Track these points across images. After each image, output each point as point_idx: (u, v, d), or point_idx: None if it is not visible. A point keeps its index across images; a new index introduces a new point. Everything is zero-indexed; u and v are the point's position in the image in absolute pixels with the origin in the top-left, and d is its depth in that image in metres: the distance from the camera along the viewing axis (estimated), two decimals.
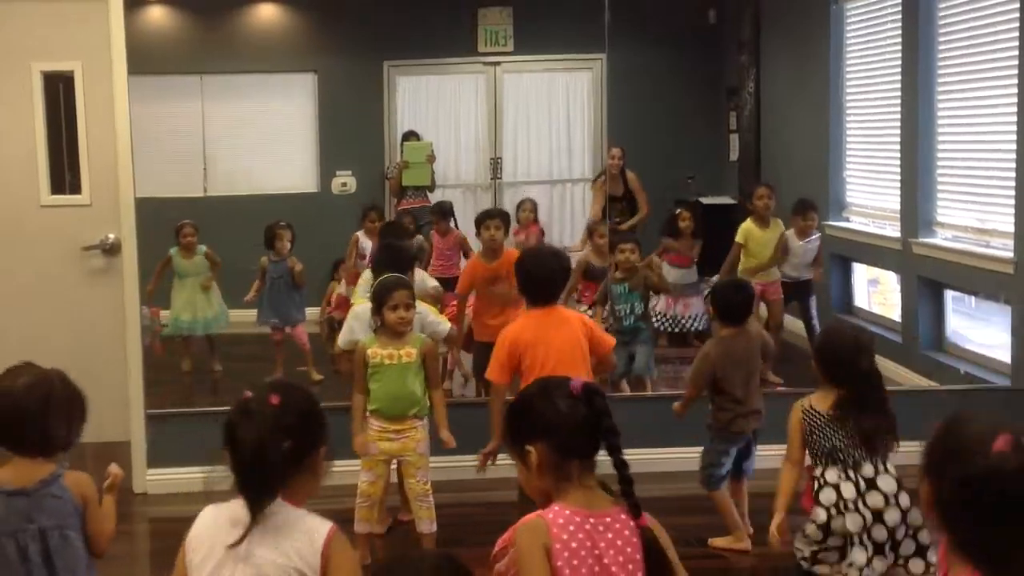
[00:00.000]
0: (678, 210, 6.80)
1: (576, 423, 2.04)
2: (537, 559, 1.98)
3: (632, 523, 2.05)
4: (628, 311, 5.38)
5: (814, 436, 3.31)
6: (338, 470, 4.50)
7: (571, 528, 2.01)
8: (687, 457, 4.50)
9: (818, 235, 6.24)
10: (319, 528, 2.09)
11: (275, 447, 2.04)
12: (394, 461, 3.98)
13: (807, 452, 3.36)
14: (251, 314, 6.18)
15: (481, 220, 5.32)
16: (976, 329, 5.81)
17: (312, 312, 6.22)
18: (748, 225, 6.13)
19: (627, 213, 6.65)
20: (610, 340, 3.95)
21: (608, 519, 2.04)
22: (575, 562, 1.99)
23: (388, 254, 4.38)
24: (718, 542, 4.19)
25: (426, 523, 3.93)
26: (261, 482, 2.07)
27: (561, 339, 3.69)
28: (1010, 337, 5.18)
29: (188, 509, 4.72)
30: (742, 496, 4.26)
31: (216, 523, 2.13)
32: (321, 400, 2.31)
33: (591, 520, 2.02)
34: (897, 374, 5.92)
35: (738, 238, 6.12)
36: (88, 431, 3.34)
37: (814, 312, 6.28)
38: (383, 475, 3.94)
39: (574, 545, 2.00)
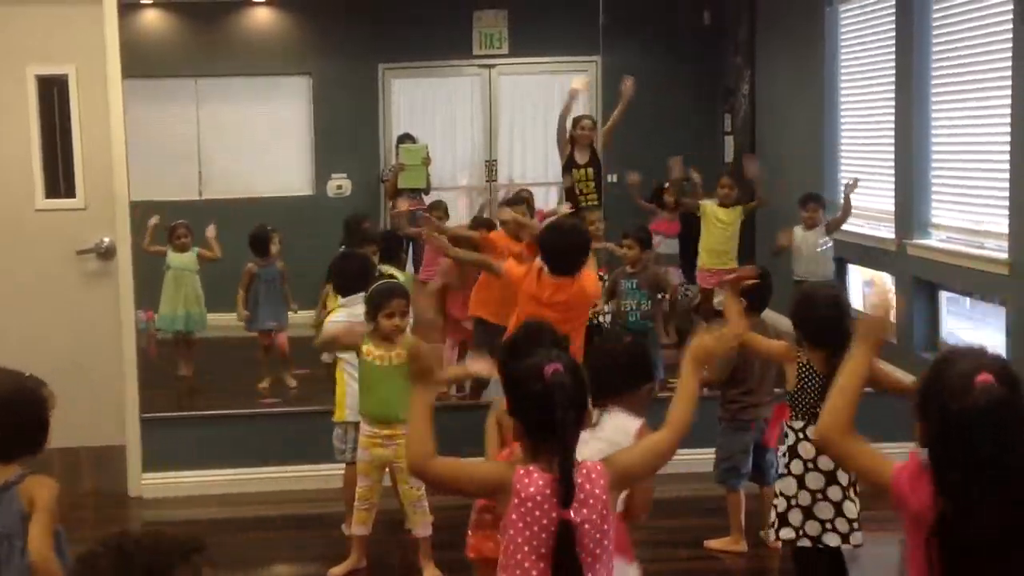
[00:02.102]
0: (665, 184, 6.92)
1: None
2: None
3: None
4: (634, 307, 5.37)
5: (803, 390, 3.33)
6: (325, 474, 4.54)
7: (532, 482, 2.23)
8: (687, 459, 4.47)
9: (823, 229, 6.18)
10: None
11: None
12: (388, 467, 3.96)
13: (790, 403, 3.41)
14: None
15: (508, 205, 5.27)
16: (971, 330, 5.82)
17: (307, 316, 6.21)
18: (709, 202, 6.55)
19: (589, 180, 6.57)
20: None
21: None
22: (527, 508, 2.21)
23: (344, 266, 4.31)
24: (714, 543, 4.18)
25: (421, 527, 3.93)
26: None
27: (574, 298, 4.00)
28: (1005, 338, 5.18)
29: (183, 513, 4.76)
30: (770, 503, 4.14)
31: None
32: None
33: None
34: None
35: (703, 203, 6.57)
36: (83, 435, 3.35)
37: None
38: (378, 480, 3.95)
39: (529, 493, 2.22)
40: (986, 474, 1.86)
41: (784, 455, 3.37)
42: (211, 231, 6.36)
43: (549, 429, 2.18)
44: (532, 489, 2.18)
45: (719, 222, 6.46)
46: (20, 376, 2.71)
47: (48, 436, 2.69)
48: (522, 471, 2.21)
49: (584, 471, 2.22)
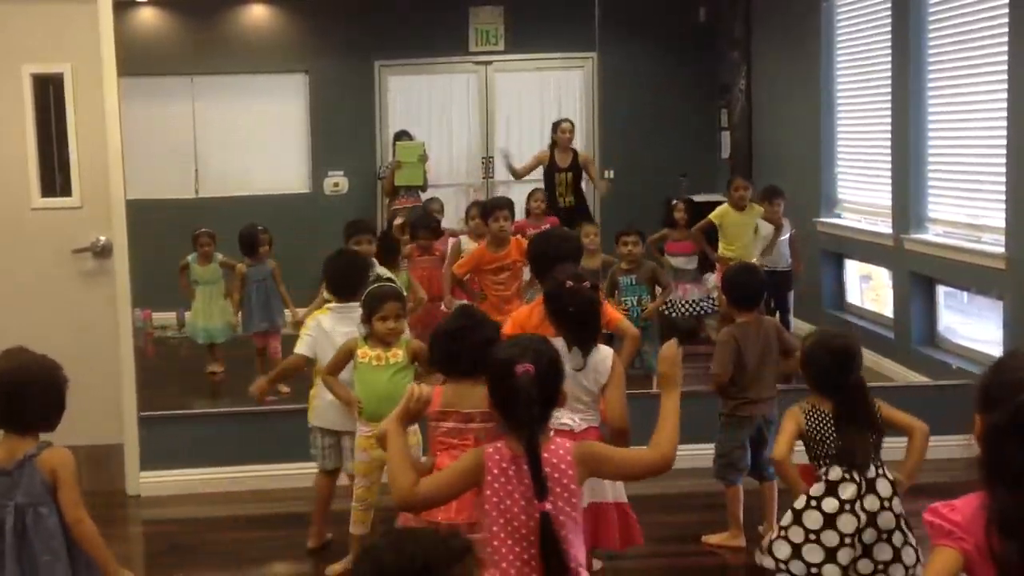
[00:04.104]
0: (673, 201, 6.87)
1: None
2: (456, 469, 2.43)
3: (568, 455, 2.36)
4: (635, 303, 5.38)
5: (820, 436, 3.26)
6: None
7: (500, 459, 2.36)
8: (687, 455, 4.49)
9: (788, 225, 6.31)
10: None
11: None
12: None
13: (809, 452, 3.31)
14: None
15: (490, 211, 5.22)
16: (968, 324, 5.83)
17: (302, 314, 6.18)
18: (725, 207, 6.39)
19: (569, 184, 6.86)
20: (617, 314, 3.96)
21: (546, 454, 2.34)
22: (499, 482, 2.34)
23: (338, 265, 4.22)
24: (712, 539, 4.19)
25: None
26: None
27: None
28: (1002, 332, 5.19)
29: (181, 511, 4.76)
30: (769, 500, 4.14)
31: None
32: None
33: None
34: (889, 370, 5.93)
35: (712, 217, 6.39)
36: (81, 434, 3.34)
37: (790, 306, 6.29)
38: (376, 481, 3.93)
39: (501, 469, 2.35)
40: None
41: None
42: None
43: (513, 419, 2.33)
44: (504, 464, 2.32)
45: (738, 227, 6.34)
46: (42, 356, 2.89)
47: (62, 415, 2.87)
48: (491, 449, 2.37)
49: (549, 455, 2.32)
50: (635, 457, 2.48)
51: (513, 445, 2.34)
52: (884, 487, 3.19)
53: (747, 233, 6.32)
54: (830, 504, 3.17)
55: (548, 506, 2.27)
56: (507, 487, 2.32)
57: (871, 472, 3.20)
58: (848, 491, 3.17)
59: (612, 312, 3.91)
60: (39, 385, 2.81)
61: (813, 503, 3.20)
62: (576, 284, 3.29)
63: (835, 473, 3.20)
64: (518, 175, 7.38)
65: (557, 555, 2.28)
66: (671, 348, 2.53)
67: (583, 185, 7.12)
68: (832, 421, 3.24)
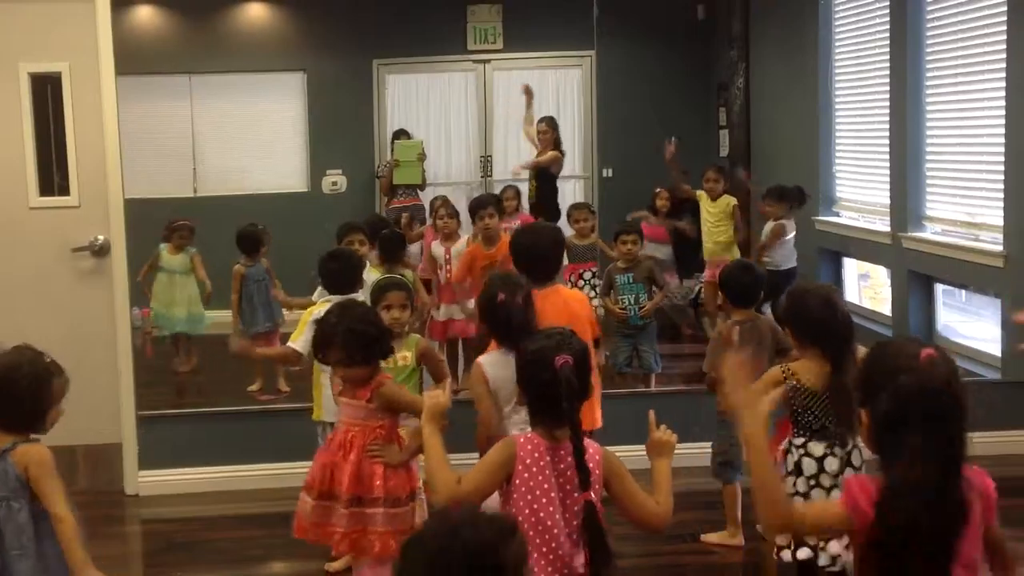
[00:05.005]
0: (657, 188, 6.96)
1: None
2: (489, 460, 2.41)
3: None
4: (633, 301, 5.39)
5: (803, 413, 3.28)
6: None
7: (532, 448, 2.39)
8: (685, 453, 4.49)
9: (775, 221, 6.34)
10: None
11: None
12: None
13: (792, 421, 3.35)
14: None
15: (475, 209, 5.28)
16: (966, 322, 5.83)
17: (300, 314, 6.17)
18: (703, 194, 6.57)
19: (533, 180, 7.21)
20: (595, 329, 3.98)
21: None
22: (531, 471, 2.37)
23: (330, 266, 4.18)
24: (711, 537, 4.19)
25: (420, 518, 3.93)
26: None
27: (561, 320, 3.52)
28: (1000, 330, 5.19)
29: (180, 510, 4.76)
30: None
31: (508, 369, 2.83)
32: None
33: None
34: None
35: (698, 195, 6.59)
36: (79, 433, 3.35)
37: None
38: None
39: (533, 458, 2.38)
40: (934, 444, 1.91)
41: (790, 474, 3.31)
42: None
43: (551, 412, 2.35)
44: (536, 454, 2.34)
45: (707, 213, 6.50)
46: (38, 356, 2.87)
47: (47, 418, 2.84)
48: (523, 439, 2.39)
49: (589, 451, 2.36)
50: (642, 497, 2.46)
51: (547, 435, 2.36)
52: (857, 457, 3.26)
53: (712, 222, 6.41)
54: (801, 484, 3.27)
55: (591, 495, 2.30)
56: (537, 477, 2.33)
57: (849, 445, 3.26)
58: (832, 465, 3.24)
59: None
60: (25, 386, 2.79)
61: (813, 482, 3.25)
62: (509, 298, 3.19)
63: (818, 449, 3.25)
64: (527, 122, 7.74)
65: (603, 543, 2.29)
66: (669, 434, 2.58)
67: (559, 185, 7.35)
68: (812, 393, 3.25)
